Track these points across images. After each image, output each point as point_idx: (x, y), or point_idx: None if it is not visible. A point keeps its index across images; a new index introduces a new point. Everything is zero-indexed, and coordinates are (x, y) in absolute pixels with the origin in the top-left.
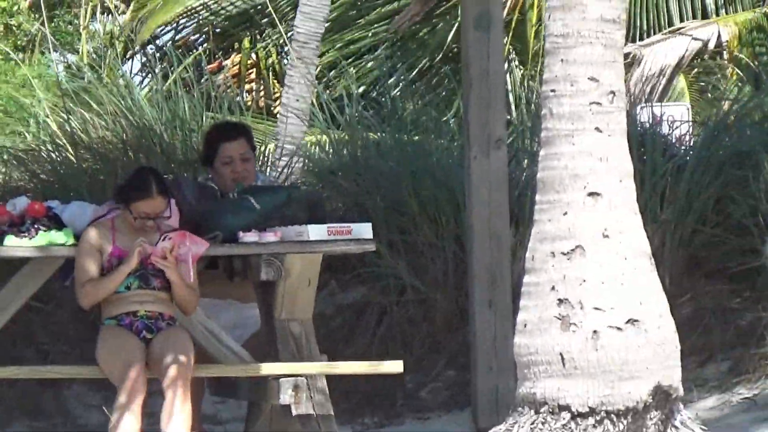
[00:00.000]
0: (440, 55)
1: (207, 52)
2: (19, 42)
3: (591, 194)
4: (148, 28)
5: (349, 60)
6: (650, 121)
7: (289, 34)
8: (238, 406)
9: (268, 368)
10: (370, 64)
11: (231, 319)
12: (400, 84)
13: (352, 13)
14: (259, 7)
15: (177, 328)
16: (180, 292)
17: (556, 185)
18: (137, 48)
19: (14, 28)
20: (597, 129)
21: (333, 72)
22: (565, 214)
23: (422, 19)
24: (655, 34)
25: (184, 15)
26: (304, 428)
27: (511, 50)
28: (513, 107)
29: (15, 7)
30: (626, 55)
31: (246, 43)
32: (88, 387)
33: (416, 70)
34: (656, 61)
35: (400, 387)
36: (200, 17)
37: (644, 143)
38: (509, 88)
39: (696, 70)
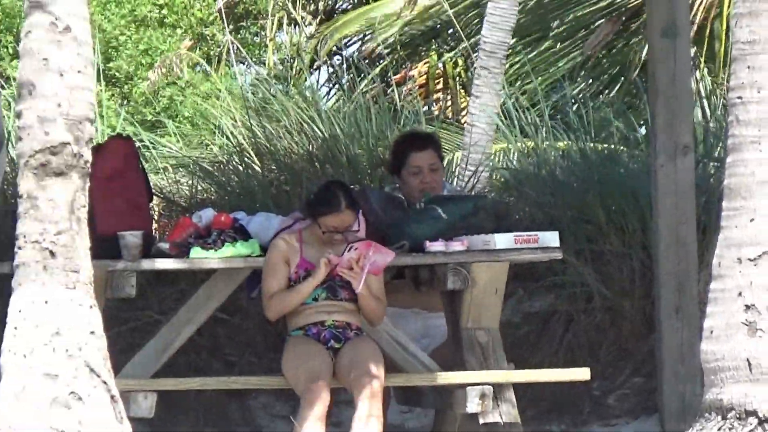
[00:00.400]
0: (630, 69)
1: (393, 63)
2: (211, 52)
3: None
4: (333, 40)
5: (537, 70)
6: None
7: (475, 44)
8: (424, 415)
9: (455, 377)
10: (557, 72)
11: (418, 328)
12: (588, 94)
13: (540, 25)
14: (447, 19)
15: (365, 338)
16: (367, 302)
17: (742, 192)
18: (323, 59)
19: (208, 38)
20: None
21: (519, 83)
22: (752, 220)
23: (613, 38)
24: None
25: (371, 27)
26: None
27: (699, 58)
28: (701, 114)
29: (210, 17)
30: None
31: (433, 53)
32: (275, 397)
33: (604, 85)
34: None
35: (587, 394)
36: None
37: None
38: (698, 95)
39: None
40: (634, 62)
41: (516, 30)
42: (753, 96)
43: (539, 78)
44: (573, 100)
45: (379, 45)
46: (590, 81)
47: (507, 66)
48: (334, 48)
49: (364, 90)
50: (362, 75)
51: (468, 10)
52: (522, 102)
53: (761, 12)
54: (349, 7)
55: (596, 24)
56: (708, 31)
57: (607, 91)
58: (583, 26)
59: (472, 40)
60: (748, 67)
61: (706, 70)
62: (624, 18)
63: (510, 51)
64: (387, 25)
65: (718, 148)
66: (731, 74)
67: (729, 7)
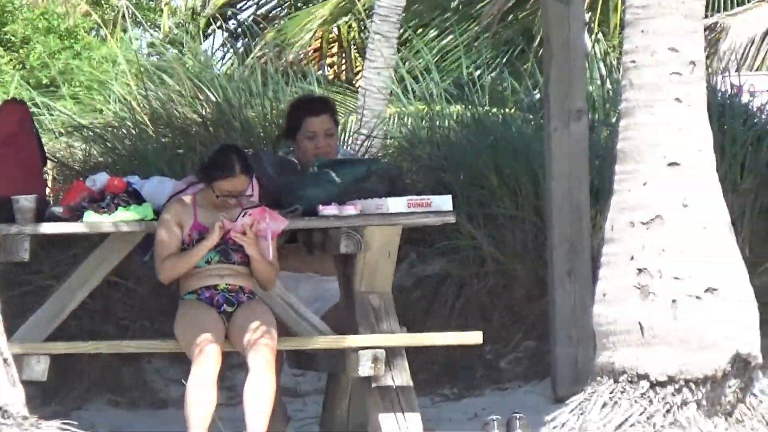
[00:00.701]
0: (526, 37)
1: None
2: (107, 17)
3: (670, 164)
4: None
5: (430, 35)
6: (731, 91)
7: (370, 8)
8: (317, 378)
9: (347, 341)
10: (450, 39)
11: (310, 292)
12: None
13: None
14: None
15: (257, 301)
16: (259, 267)
17: (635, 155)
18: (219, 23)
19: (103, 2)
20: (677, 99)
21: (412, 44)
22: (645, 184)
23: (510, 7)
24: (741, 4)
25: None
26: (383, 400)
27: (593, 22)
28: (598, 79)
29: None
30: (713, 25)
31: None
32: (169, 361)
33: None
34: (743, 30)
35: (480, 358)
36: None
37: (724, 113)
38: (593, 59)
39: None
40: (530, 31)
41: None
42: (646, 60)
43: (435, 45)
44: (469, 67)
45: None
46: (487, 49)
47: (402, 32)
48: (230, 12)
49: (258, 54)
50: (257, 39)
51: None
52: (417, 66)
53: None
54: None
55: None
56: None
57: (505, 60)
58: None
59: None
60: (642, 31)
61: (600, 34)
62: None
63: (405, 24)
64: None
65: (612, 112)
66: (625, 38)
67: None
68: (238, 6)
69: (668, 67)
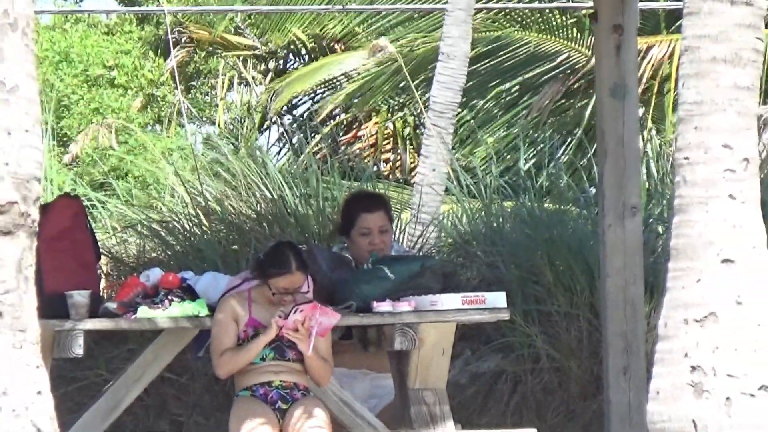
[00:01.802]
0: (578, 129)
1: (343, 123)
2: (162, 114)
3: (724, 261)
4: (283, 98)
5: (486, 130)
6: None
7: (426, 104)
8: None
9: None
10: (504, 135)
11: (365, 389)
12: (536, 155)
13: (489, 85)
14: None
15: (312, 398)
16: (313, 363)
17: (689, 252)
18: (274, 118)
19: (159, 99)
20: (730, 196)
21: (468, 143)
22: (699, 281)
23: (561, 98)
24: None
25: (321, 85)
26: None
27: (647, 119)
28: (654, 174)
29: (161, 78)
30: (759, 118)
31: (383, 113)
32: None
33: (553, 144)
34: None
35: None
36: (338, 88)
37: None
38: (645, 155)
39: None
40: (582, 123)
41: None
42: (700, 157)
43: (488, 137)
44: (523, 161)
45: (335, 106)
46: (538, 141)
47: (457, 126)
48: (285, 108)
49: (314, 150)
50: (312, 134)
51: (419, 69)
52: (472, 162)
53: (707, 73)
54: (300, 66)
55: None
56: (656, 90)
57: (558, 152)
58: (530, 89)
59: (421, 95)
60: (695, 127)
61: (654, 130)
62: (571, 78)
63: (459, 112)
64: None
65: (665, 209)
66: (678, 135)
67: (677, 67)
68: (293, 102)
69: (722, 164)
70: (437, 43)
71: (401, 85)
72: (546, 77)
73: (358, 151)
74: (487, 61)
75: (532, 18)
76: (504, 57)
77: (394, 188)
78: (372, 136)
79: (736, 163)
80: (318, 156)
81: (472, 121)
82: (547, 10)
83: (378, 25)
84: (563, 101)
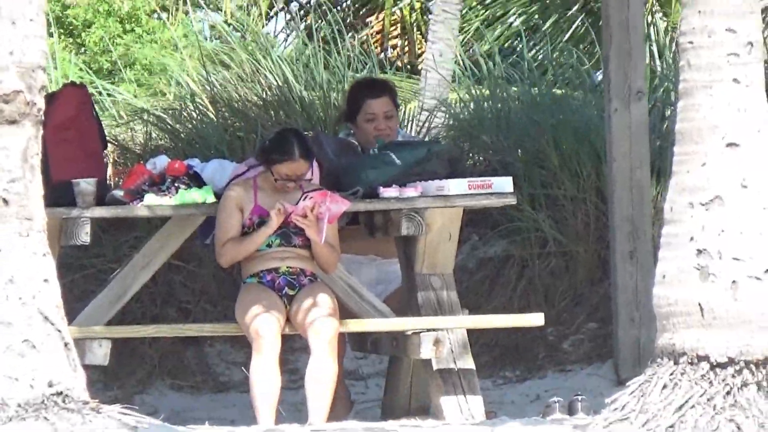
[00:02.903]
0: (581, 9)
1: (350, 9)
2: (167, 1)
3: (729, 145)
4: None
5: (490, 17)
6: None
7: None
8: (378, 360)
9: (409, 323)
10: (511, 21)
11: (372, 274)
12: (542, 40)
13: None
14: None
15: (319, 284)
16: (320, 250)
17: (694, 136)
18: (281, 5)
19: None
20: (735, 80)
21: (474, 28)
22: (704, 164)
23: None
24: None
25: None
26: (445, 382)
27: (654, 2)
28: (656, 59)
29: None
30: None
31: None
32: (231, 344)
33: (553, 23)
34: None
35: (542, 340)
36: None
37: None
38: (653, 39)
39: None
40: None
41: None
42: (704, 41)
43: (496, 24)
44: (529, 44)
45: None
46: (545, 20)
47: (463, 12)
48: None
49: (321, 36)
50: (320, 21)
51: None
52: (477, 49)
53: None
54: None
55: None
56: None
57: (561, 32)
58: None
59: None
60: (699, 11)
61: (659, 13)
62: None
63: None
64: None
65: (673, 92)
66: (682, 19)
67: None
68: None
69: (726, 48)
70: None
71: None
72: None
73: (365, 37)
74: None
75: None
76: None
77: (401, 76)
78: (379, 22)
79: (740, 46)
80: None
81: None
82: None
83: None
84: None
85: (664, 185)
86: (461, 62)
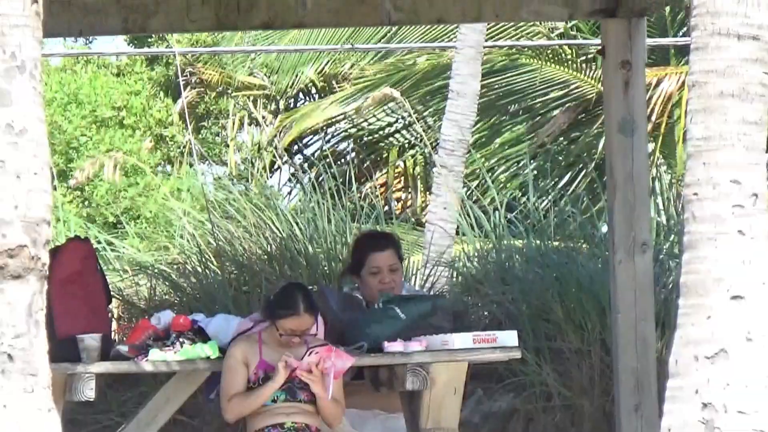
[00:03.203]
0: (587, 163)
1: (354, 161)
2: (172, 153)
3: (734, 297)
4: (291, 134)
5: (495, 169)
6: None
7: (435, 142)
8: None
9: None
10: (514, 173)
11: (377, 429)
12: (546, 191)
13: (497, 124)
14: (407, 118)
15: None
16: (326, 405)
17: (699, 289)
18: (284, 158)
19: (167, 139)
20: (740, 232)
21: (477, 181)
22: (709, 317)
23: (568, 127)
24: None
25: (330, 124)
26: None
27: (657, 154)
28: (661, 212)
29: (169, 118)
30: None
31: (393, 151)
32: None
33: (562, 177)
34: None
35: None
36: (347, 129)
37: None
38: (658, 192)
39: None
40: (591, 154)
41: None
42: (708, 192)
43: (500, 170)
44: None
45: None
46: (548, 169)
47: (468, 163)
48: (296, 148)
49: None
50: (323, 175)
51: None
52: (482, 202)
53: (715, 108)
54: (306, 103)
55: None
56: (665, 124)
57: (565, 184)
58: (539, 115)
59: (430, 136)
60: (704, 163)
61: (664, 165)
62: (581, 109)
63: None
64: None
65: (675, 245)
66: (687, 170)
67: (685, 102)
68: (304, 141)
69: (731, 200)
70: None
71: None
72: (555, 104)
73: (369, 190)
74: (497, 82)
75: (542, 53)
76: (514, 81)
77: (404, 230)
78: (383, 175)
79: (745, 198)
80: (327, 196)
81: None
82: (558, 46)
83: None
84: (572, 133)
85: (669, 338)
86: (466, 215)
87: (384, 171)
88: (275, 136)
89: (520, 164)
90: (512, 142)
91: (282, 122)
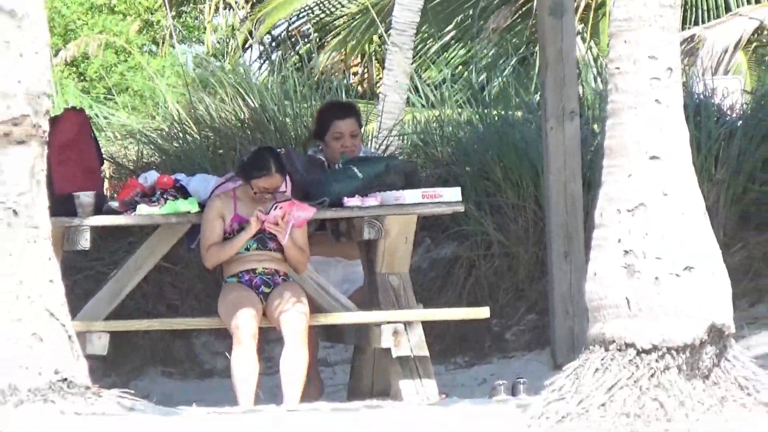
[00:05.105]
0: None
1: (316, 41)
2: (157, 35)
3: (652, 158)
4: (266, 25)
5: (442, 45)
6: (706, 92)
7: (389, 24)
8: (344, 349)
9: (371, 316)
10: (461, 51)
11: (338, 274)
12: (487, 68)
13: (449, 13)
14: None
15: (291, 282)
16: (292, 253)
17: (621, 151)
18: (255, 40)
19: (153, 23)
20: (656, 101)
21: (428, 55)
22: (630, 176)
23: (513, 20)
24: (717, 17)
25: (299, 11)
26: (403, 368)
27: (586, 32)
28: (590, 82)
29: (156, 5)
30: (692, 37)
31: (352, 33)
32: (215, 336)
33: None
34: (719, 40)
35: (488, 331)
36: (312, 13)
37: (700, 112)
38: (587, 64)
39: (754, 45)
40: (530, 38)
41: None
42: (629, 67)
43: (448, 56)
44: (478, 74)
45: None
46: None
47: (417, 44)
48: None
49: (291, 66)
50: (289, 52)
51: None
52: (430, 76)
53: None
54: None
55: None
56: (593, 8)
57: (511, 65)
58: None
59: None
60: (625, 41)
61: (592, 43)
62: (520, 1)
63: (420, 35)
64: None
65: (603, 112)
66: (610, 47)
67: None
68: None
69: (649, 73)
70: None
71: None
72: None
73: (329, 66)
74: None
75: None
76: None
77: (361, 101)
78: (341, 52)
79: (661, 71)
80: (292, 71)
81: (432, 40)
82: None
83: None
84: (515, 21)
85: (595, 194)
86: (414, 88)
87: (342, 49)
88: (252, 25)
89: (468, 49)
90: (462, 31)
91: (255, 15)
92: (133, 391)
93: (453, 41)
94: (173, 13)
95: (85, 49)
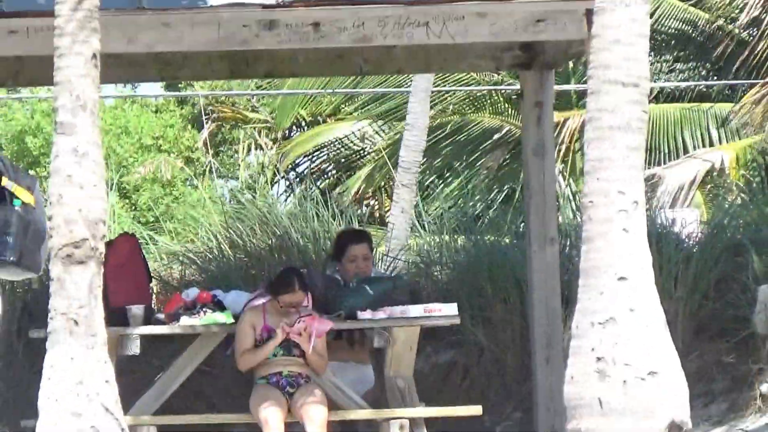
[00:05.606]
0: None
1: (334, 176)
2: (197, 171)
3: (620, 279)
4: (289, 158)
5: (443, 181)
6: (666, 223)
7: (395, 162)
8: None
9: (380, 413)
10: (458, 183)
11: (353, 377)
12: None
13: (444, 144)
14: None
15: (313, 383)
16: (313, 359)
17: (594, 272)
18: (282, 175)
19: (194, 161)
20: (624, 230)
21: (429, 190)
22: (601, 293)
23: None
24: (675, 159)
25: (317, 149)
26: None
27: (566, 174)
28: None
29: (195, 145)
30: (653, 175)
31: (365, 169)
32: (247, 430)
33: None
34: (676, 179)
35: (480, 426)
36: (330, 151)
37: (661, 239)
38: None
39: (709, 186)
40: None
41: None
42: (601, 200)
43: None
44: (474, 206)
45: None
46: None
47: (424, 179)
48: (291, 166)
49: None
50: (311, 186)
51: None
52: (432, 206)
53: (606, 137)
54: (298, 134)
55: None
56: (572, 151)
57: (503, 197)
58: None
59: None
60: (597, 178)
61: (570, 180)
62: (512, 145)
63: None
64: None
65: (577, 240)
66: (584, 184)
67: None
68: (297, 162)
69: (617, 206)
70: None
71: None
72: (491, 142)
73: (345, 198)
74: (452, 137)
75: (484, 102)
76: (464, 133)
77: (373, 226)
78: (356, 186)
79: (628, 204)
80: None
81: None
82: (493, 93)
83: (359, 103)
84: (507, 162)
85: (572, 309)
86: (418, 216)
87: (357, 183)
88: (278, 160)
89: (467, 183)
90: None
91: (281, 149)
92: None
93: (451, 177)
94: (212, 152)
95: (156, 170)
